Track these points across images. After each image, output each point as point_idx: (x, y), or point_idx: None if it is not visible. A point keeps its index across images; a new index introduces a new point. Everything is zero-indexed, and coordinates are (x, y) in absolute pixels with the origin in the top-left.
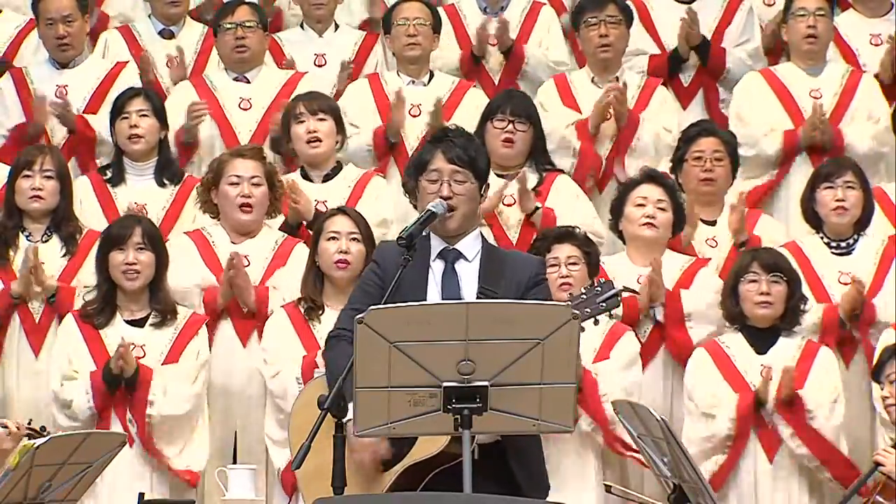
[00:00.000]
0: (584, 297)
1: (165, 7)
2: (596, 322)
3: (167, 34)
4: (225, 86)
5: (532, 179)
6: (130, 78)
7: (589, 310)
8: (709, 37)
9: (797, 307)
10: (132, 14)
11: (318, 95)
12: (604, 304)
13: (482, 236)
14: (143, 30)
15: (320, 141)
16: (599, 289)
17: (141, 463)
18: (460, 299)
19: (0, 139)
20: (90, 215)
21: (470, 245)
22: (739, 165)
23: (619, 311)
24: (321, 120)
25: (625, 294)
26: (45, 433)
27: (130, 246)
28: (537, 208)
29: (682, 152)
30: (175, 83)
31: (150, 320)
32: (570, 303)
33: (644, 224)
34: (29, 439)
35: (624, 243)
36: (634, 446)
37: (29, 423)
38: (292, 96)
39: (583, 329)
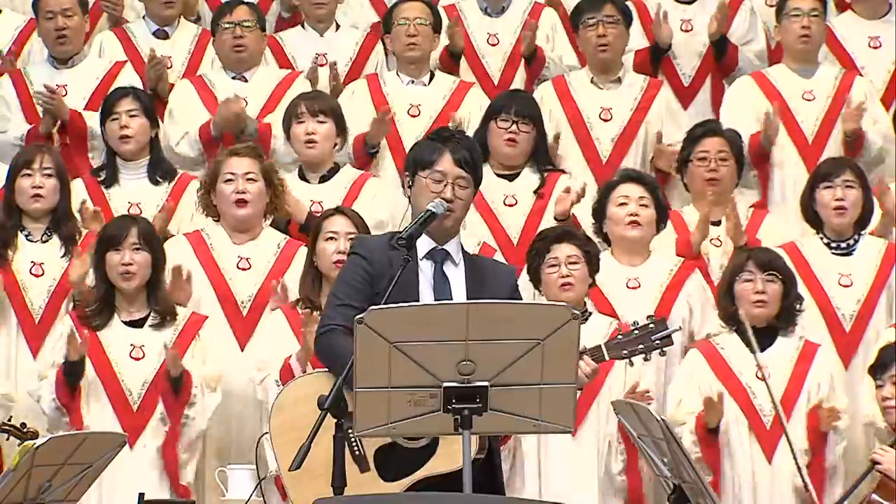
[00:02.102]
0: (637, 333)
1: (159, 8)
2: (646, 358)
3: (161, 34)
4: (223, 84)
5: (533, 180)
6: (130, 77)
7: (642, 346)
8: (709, 37)
9: (793, 306)
10: (127, 14)
11: (320, 95)
12: (658, 342)
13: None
14: (138, 31)
15: (316, 143)
16: (653, 326)
17: (142, 464)
18: (451, 300)
19: (16, 148)
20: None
21: (455, 248)
22: (744, 165)
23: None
24: (321, 122)
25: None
26: (24, 430)
27: (127, 246)
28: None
29: (687, 152)
30: (153, 85)
31: (150, 321)
32: (620, 338)
33: (629, 224)
34: (3, 434)
35: (608, 245)
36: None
37: (9, 420)
38: (294, 94)
39: (631, 364)
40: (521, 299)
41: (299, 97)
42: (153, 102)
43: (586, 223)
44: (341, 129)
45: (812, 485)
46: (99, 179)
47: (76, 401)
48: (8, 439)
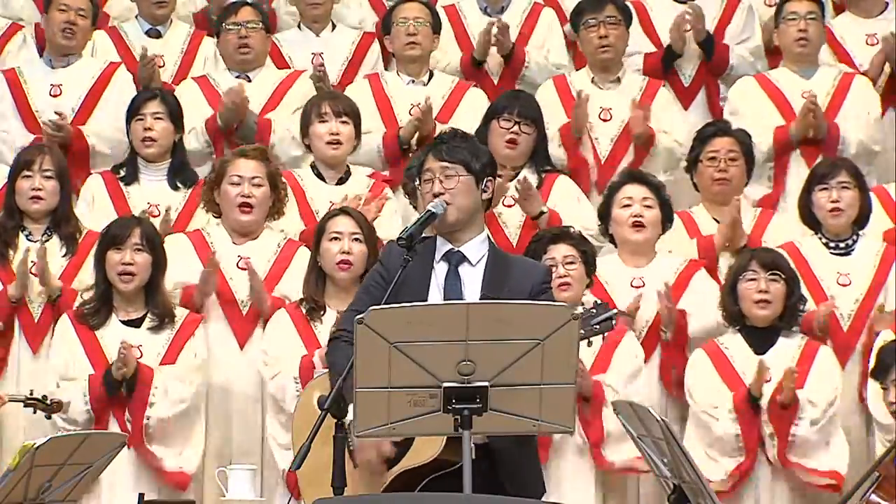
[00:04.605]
0: (580, 317)
1: (151, 7)
2: (589, 343)
3: (154, 34)
4: (227, 84)
5: (532, 181)
6: (125, 78)
7: (583, 331)
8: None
9: (795, 306)
10: (128, 15)
11: (342, 96)
12: (598, 327)
13: (490, 241)
14: (130, 30)
15: (341, 144)
16: (594, 311)
17: (138, 464)
18: (461, 299)
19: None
20: (101, 214)
21: (475, 249)
22: (754, 165)
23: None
24: (344, 123)
25: (620, 317)
26: (49, 402)
27: (128, 246)
28: (542, 213)
29: (697, 152)
30: (145, 84)
31: (147, 322)
32: None
33: (632, 226)
34: (25, 406)
35: (615, 246)
36: (623, 466)
37: (31, 393)
38: (315, 95)
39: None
40: (551, 299)
41: (321, 96)
42: (179, 106)
43: (581, 222)
44: (359, 131)
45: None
46: (118, 177)
47: (108, 410)
48: (35, 412)
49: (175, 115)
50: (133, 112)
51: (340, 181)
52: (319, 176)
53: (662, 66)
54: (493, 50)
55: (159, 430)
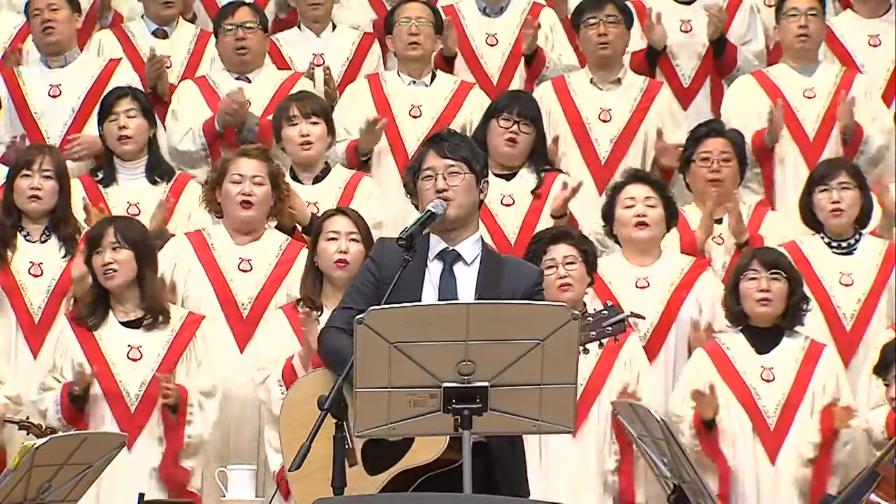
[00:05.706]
0: (590, 319)
1: (158, 8)
2: (601, 345)
3: (160, 34)
4: (226, 85)
5: (531, 180)
6: (125, 76)
7: (594, 333)
8: (708, 38)
9: (798, 305)
10: (133, 15)
11: (310, 96)
12: (609, 329)
13: (483, 241)
14: (137, 30)
15: (312, 144)
16: (606, 312)
17: (141, 465)
18: (455, 298)
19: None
20: (82, 217)
21: (469, 248)
22: (747, 165)
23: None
24: (314, 123)
25: (631, 319)
26: (43, 429)
27: (106, 247)
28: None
29: (690, 153)
30: (152, 84)
31: (145, 321)
32: None
33: (636, 225)
34: (19, 429)
35: (620, 246)
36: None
37: (27, 418)
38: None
39: (586, 351)
40: (541, 301)
41: (289, 99)
42: (151, 102)
43: (588, 224)
44: (331, 129)
45: (815, 481)
46: (97, 179)
47: (82, 416)
48: (28, 434)
49: (148, 111)
50: (105, 112)
51: (317, 180)
52: (295, 178)
53: (647, 63)
54: (493, 50)
55: (192, 448)
